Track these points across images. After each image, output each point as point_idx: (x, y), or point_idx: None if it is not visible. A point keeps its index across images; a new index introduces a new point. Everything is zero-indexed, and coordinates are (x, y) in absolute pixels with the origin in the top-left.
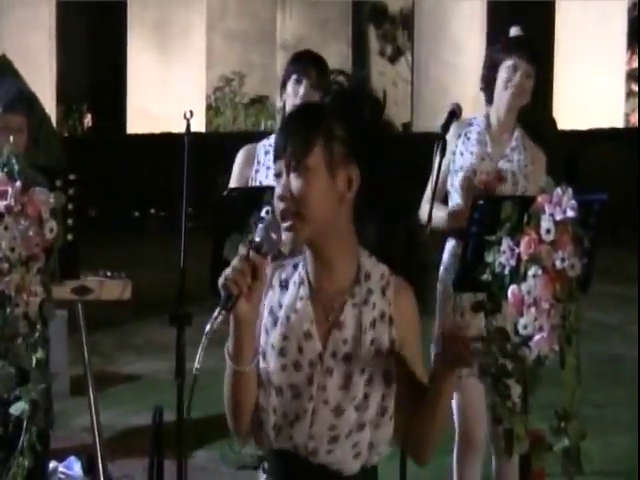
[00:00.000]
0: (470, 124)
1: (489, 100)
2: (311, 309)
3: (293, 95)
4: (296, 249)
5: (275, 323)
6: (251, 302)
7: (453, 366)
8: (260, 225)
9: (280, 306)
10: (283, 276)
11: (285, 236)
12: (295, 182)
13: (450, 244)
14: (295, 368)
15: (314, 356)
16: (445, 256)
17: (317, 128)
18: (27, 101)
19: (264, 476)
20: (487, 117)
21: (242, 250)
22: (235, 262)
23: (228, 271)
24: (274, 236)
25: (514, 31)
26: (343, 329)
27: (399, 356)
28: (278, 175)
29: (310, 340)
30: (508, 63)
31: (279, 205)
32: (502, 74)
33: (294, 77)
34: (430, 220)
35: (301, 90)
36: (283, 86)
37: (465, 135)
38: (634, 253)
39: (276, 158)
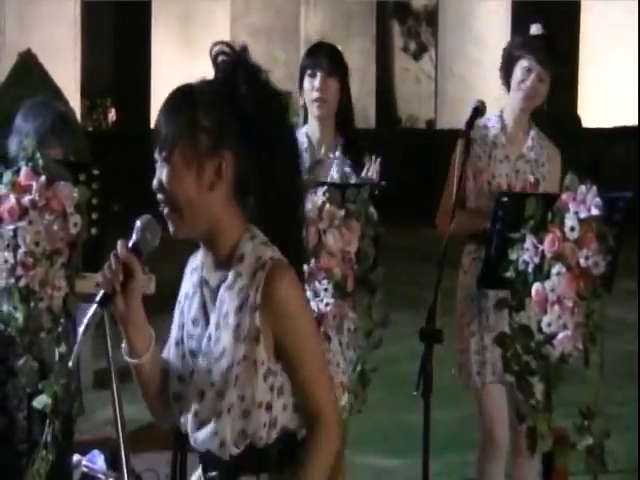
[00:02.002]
0: (485, 126)
1: (509, 91)
2: (199, 295)
3: (310, 89)
4: (177, 238)
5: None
6: (127, 299)
7: None
8: (137, 224)
9: (185, 295)
10: (193, 264)
11: (169, 226)
12: (163, 174)
13: (470, 247)
14: (190, 355)
15: (200, 342)
16: (465, 260)
17: (180, 123)
18: (62, 130)
19: None
20: (501, 117)
21: (118, 248)
22: (109, 261)
23: (103, 270)
24: (149, 236)
25: (534, 29)
26: (215, 313)
27: (280, 349)
28: (156, 162)
29: (197, 326)
30: (523, 63)
31: (157, 195)
32: (516, 73)
33: (308, 72)
34: (453, 219)
35: (316, 82)
36: (300, 85)
37: (482, 139)
38: None
39: (153, 143)
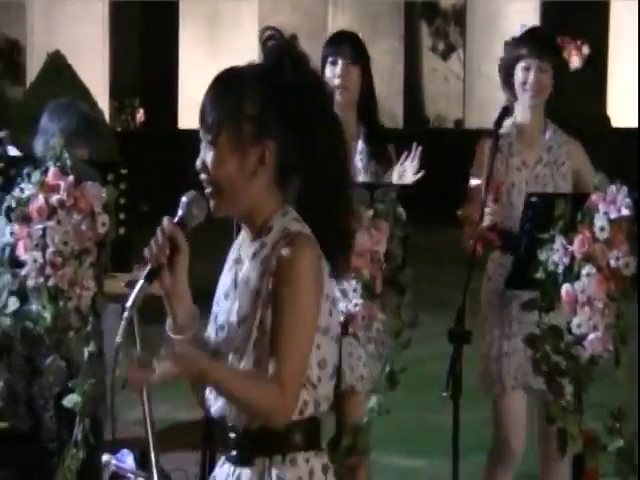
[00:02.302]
0: (500, 135)
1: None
2: (233, 270)
3: (331, 77)
4: (217, 216)
5: None
6: (174, 273)
7: None
8: (183, 199)
9: (223, 272)
10: (236, 243)
11: (210, 205)
12: (208, 155)
13: (494, 254)
14: (220, 329)
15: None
16: (489, 266)
17: (226, 108)
18: (87, 130)
19: None
20: (514, 123)
21: (164, 223)
22: (156, 236)
23: (150, 245)
24: (195, 211)
25: (520, 29)
26: (240, 283)
27: (272, 306)
28: (200, 142)
29: (228, 300)
30: (521, 64)
31: (200, 174)
32: (517, 77)
33: (330, 60)
34: (482, 219)
35: (337, 70)
36: (322, 74)
37: (499, 149)
38: None
39: (200, 124)
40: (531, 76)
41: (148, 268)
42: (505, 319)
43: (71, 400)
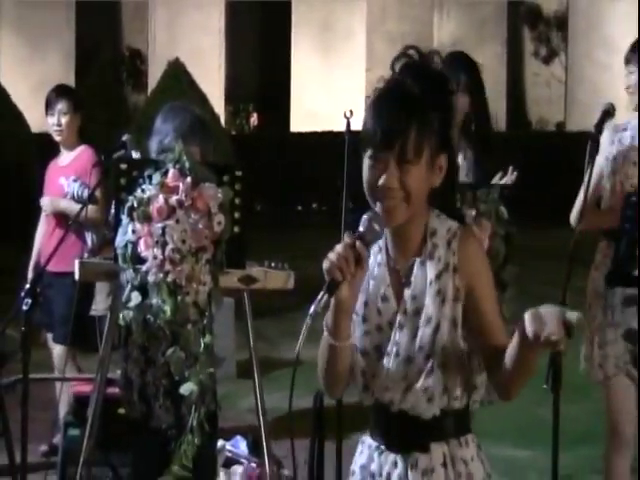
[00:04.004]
0: (624, 129)
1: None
2: (387, 273)
3: None
4: (390, 226)
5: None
6: (352, 288)
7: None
8: (365, 216)
9: (369, 275)
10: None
11: (388, 217)
12: (403, 175)
13: (602, 244)
14: (377, 331)
15: (391, 316)
16: (597, 256)
17: (424, 129)
18: (199, 130)
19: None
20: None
21: (347, 238)
22: (340, 249)
23: (333, 257)
24: (377, 227)
25: None
26: (412, 286)
27: (470, 300)
28: (377, 160)
29: (387, 302)
30: (625, 72)
31: (387, 192)
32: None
33: None
34: (582, 219)
35: None
36: None
37: (619, 141)
38: None
39: (378, 148)
40: (630, 78)
41: (329, 280)
42: (608, 308)
43: (187, 388)
